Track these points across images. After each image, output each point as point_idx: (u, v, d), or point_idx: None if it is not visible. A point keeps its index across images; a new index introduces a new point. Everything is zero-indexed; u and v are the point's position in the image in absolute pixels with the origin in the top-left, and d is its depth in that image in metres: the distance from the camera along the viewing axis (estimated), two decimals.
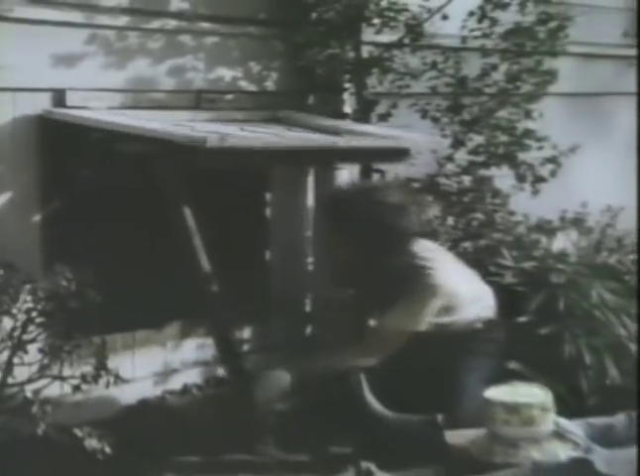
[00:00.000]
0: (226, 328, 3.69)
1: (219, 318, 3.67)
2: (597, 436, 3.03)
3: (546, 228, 4.41)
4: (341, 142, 3.86)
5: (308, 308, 4.51)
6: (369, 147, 3.96)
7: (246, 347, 4.35)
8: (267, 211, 4.39)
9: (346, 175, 4.43)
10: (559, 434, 3.00)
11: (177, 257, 3.53)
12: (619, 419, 3.11)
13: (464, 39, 4.42)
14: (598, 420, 3.13)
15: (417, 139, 4.11)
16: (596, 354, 3.71)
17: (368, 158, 4.11)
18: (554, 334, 3.70)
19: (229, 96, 4.13)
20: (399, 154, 4.00)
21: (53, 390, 3.15)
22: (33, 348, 3.17)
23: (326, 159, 3.88)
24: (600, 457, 2.84)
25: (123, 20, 3.79)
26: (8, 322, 3.15)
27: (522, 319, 3.72)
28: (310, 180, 4.48)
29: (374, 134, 4.06)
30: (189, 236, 3.51)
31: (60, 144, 3.59)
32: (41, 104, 3.58)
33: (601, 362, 3.69)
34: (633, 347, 3.74)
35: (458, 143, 4.53)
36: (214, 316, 3.68)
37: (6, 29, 3.45)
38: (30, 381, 3.12)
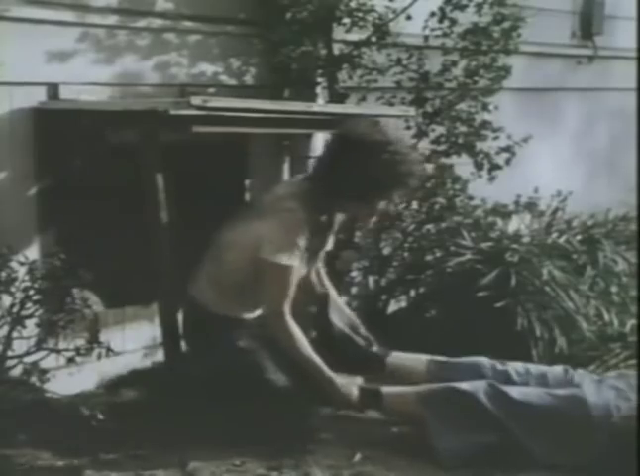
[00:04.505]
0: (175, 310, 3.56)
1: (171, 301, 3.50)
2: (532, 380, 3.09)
3: (502, 211, 4.42)
4: (315, 107, 3.84)
5: None
6: (341, 113, 3.87)
7: None
8: (246, 195, 4.39)
9: None
10: None
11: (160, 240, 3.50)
12: (556, 370, 3.15)
13: (426, 37, 4.42)
14: (535, 367, 3.17)
15: (386, 109, 4.11)
16: (546, 326, 3.74)
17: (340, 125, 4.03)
18: (508, 308, 3.73)
19: (211, 90, 4.10)
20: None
21: (50, 362, 3.13)
22: (30, 323, 3.14)
23: (301, 123, 3.74)
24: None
25: (112, 19, 3.76)
26: (7, 300, 3.12)
27: (480, 294, 3.75)
28: (286, 168, 4.49)
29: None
30: (169, 219, 3.46)
31: (53, 132, 3.56)
32: (36, 97, 3.55)
33: (550, 333, 3.72)
34: (579, 319, 3.78)
35: (421, 133, 4.52)
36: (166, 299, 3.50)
37: (3, 28, 3.40)
38: (28, 353, 3.09)
